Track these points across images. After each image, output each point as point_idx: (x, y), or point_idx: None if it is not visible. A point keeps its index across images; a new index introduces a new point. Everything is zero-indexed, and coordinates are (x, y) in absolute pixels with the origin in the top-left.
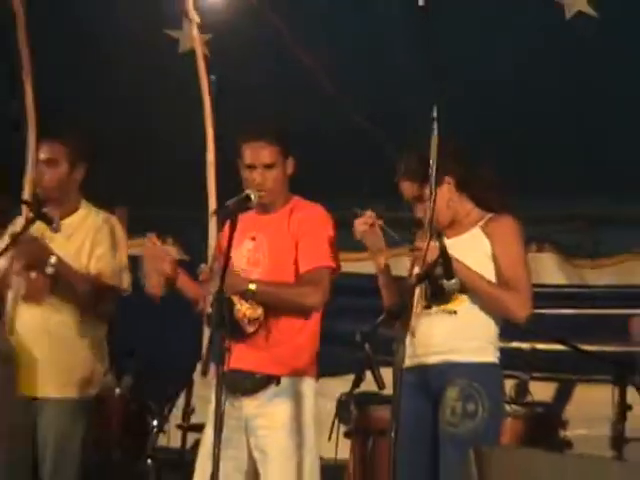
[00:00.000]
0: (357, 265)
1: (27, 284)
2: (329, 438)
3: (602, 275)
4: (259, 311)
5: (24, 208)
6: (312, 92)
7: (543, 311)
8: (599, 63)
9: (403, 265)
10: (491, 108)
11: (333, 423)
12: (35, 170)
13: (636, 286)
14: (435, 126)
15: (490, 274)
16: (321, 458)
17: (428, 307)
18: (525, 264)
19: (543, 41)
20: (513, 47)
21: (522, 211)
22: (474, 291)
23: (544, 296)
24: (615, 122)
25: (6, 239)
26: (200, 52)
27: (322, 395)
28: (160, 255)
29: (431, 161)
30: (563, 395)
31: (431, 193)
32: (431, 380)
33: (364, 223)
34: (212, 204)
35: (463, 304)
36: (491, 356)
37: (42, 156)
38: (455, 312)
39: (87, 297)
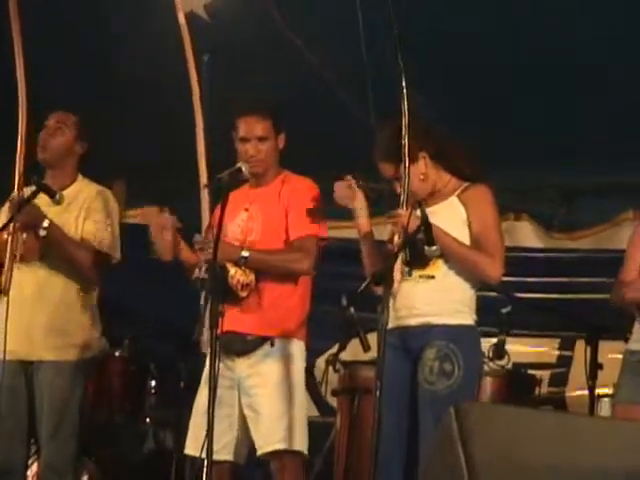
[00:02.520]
0: (345, 232)
1: (19, 244)
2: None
3: (580, 245)
4: (251, 277)
5: (18, 179)
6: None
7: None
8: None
9: (383, 233)
10: (470, 75)
11: (321, 383)
12: (41, 135)
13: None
14: (404, 96)
15: (465, 239)
16: (309, 417)
17: (409, 273)
18: (498, 229)
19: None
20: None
21: (499, 181)
22: (451, 255)
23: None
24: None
25: (7, 206)
26: (186, 35)
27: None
28: (165, 224)
29: (402, 134)
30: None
31: (405, 167)
32: (411, 341)
33: (345, 187)
34: (203, 177)
35: (440, 269)
36: (468, 319)
37: (51, 122)
38: (433, 277)
39: (80, 262)
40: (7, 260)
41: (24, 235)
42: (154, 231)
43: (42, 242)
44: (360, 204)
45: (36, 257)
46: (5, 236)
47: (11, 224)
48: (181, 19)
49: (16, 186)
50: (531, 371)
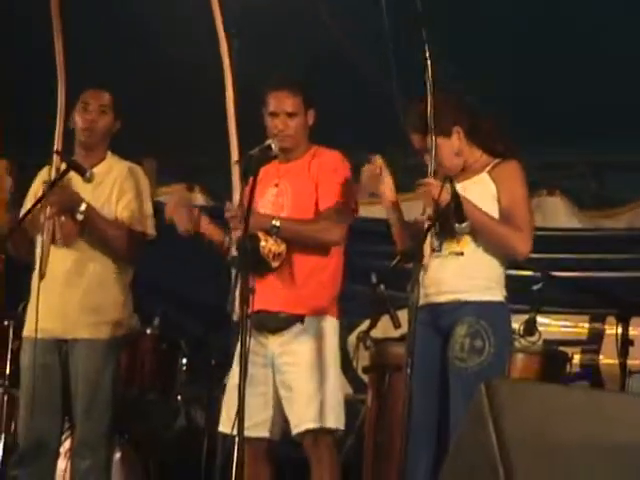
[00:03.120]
0: (371, 209)
1: (57, 228)
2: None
3: (613, 223)
4: (282, 247)
5: (55, 158)
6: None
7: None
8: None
9: (414, 210)
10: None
11: (352, 359)
12: (77, 115)
13: None
14: (429, 67)
15: (495, 215)
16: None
17: (439, 248)
18: (528, 205)
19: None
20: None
21: (528, 158)
22: (481, 229)
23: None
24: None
25: (41, 187)
26: (218, 13)
27: None
28: (182, 203)
29: (428, 107)
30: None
31: (432, 140)
32: (441, 318)
33: (371, 171)
34: (234, 154)
35: (469, 246)
36: (498, 295)
37: (94, 102)
38: (462, 253)
39: (116, 242)
40: (44, 243)
41: (62, 218)
42: (167, 208)
43: (79, 225)
44: (388, 188)
45: (74, 240)
46: (42, 219)
47: (48, 208)
48: None
49: (54, 163)
50: (562, 348)
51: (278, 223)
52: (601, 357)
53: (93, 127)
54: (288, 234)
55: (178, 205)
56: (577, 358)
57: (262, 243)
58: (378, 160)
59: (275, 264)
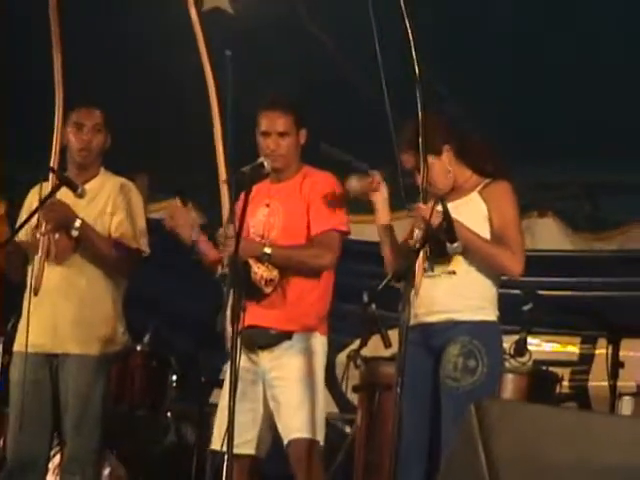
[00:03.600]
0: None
1: (52, 245)
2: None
3: (607, 245)
4: (275, 272)
5: (51, 175)
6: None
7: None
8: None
9: (402, 228)
10: (487, 71)
11: (342, 378)
12: (71, 135)
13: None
14: (418, 89)
15: (486, 235)
16: (329, 413)
17: (430, 269)
18: (519, 225)
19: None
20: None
21: (520, 178)
22: (473, 250)
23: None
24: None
25: (35, 203)
26: (199, 32)
27: None
28: (184, 217)
29: (419, 126)
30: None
31: (423, 160)
32: (433, 338)
33: (365, 185)
34: (222, 174)
35: (462, 265)
36: (491, 315)
37: (88, 123)
38: (454, 272)
39: (109, 258)
40: (39, 260)
41: (56, 235)
42: (168, 223)
43: (74, 241)
44: (382, 197)
45: (69, 256)
46: (38, 236)
47: (43, 225)
48: (193, 15)
49: (50, 182)
50: (552, 369)
51: (269, 250)
52: (590, 377)
53: (89, 147)
54: (280, 260)
55: (178, 215)
56: (567, 379)
57: (254, 269)
58: (375, 176)
59: (268, 290)
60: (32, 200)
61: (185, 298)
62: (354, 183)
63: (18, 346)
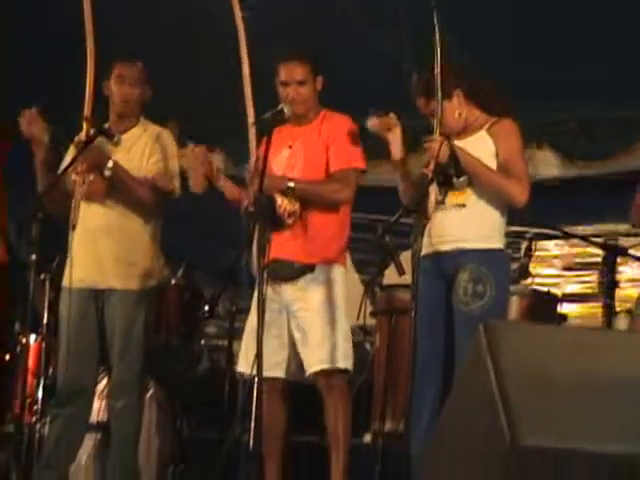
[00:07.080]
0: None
1: (86, 185)
2: (357, 317)
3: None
4: (296, 205)
5: (85, 124)
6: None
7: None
8: None
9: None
10: (491, 13)
11: (361, 304)
12: (113, 87)
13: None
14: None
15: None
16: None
17: (442, 201)
18: (523, 157)
19: None
20: None
21: (521, 116)
22: (480, 178)
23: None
24: None
25: (72, 149)
26: None
27: None
28: (200, 158)
29: (435, 71)
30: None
31: (437, 96)
32: (444, 265)
33: (384, 122)
34: (250, 117)
35: (471, 198)
36: (498, 243)
37: (129, 75)
38: (464, 205)
39: (143, 199)
40: (75, 198)
41: (91, 176)
42: (189, 165)
43: (107, 181)
44: (396, 135)
45: (102, 196)
46: (73, 177)
47: (78, 165)
48: None
49: (84, 130)
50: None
51: (292, 184)
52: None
53: (130, 99)
54: (301, 193)
55: (200, 163)
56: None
57: (278, 202)
58: (392, 116)
59: (289, 221)
60: (72, 148)
61: (211, 237)
62: (374, 121)
63: (66, 282)
